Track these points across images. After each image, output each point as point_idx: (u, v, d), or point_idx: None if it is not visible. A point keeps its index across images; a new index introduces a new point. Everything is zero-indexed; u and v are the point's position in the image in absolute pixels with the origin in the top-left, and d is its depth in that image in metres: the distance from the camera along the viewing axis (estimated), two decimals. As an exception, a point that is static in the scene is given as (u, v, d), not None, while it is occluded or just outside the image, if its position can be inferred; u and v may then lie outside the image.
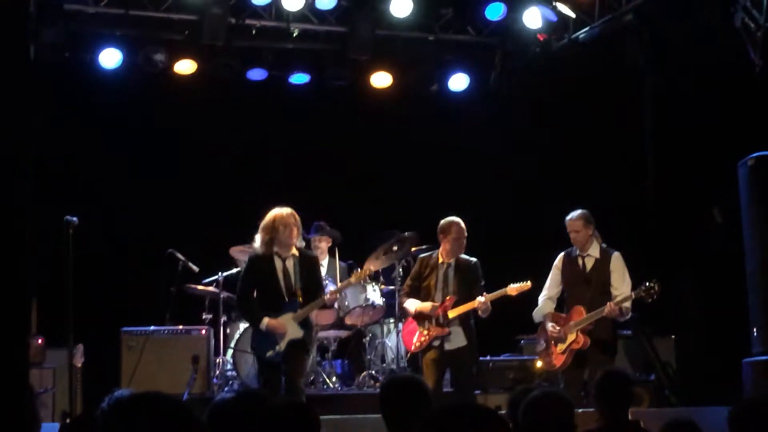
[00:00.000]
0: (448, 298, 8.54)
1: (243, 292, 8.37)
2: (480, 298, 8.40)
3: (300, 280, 8.12)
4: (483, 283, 8.59)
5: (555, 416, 4.53)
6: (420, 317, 8.66)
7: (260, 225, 8.14)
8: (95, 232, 9.65)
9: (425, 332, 8.58)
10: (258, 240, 8.16)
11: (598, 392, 5.63)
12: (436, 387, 8.36)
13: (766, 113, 9.38)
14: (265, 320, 8.03)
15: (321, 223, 10.54)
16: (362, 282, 9.62)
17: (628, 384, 5.80)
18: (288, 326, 8.04)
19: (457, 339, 8.53)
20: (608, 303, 8.20)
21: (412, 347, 8.79)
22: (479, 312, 8.45)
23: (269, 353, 8.05)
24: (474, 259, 8.69)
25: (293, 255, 8.15)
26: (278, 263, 8.12)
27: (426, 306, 8.59)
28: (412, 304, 8.70)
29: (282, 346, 8.03)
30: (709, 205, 10.30)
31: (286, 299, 8.11)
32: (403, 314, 9.10)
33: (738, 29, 9.18)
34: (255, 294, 8.32)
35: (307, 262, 8.25)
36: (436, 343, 8.54)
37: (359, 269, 9.19)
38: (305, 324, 8.16)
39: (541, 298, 8.65)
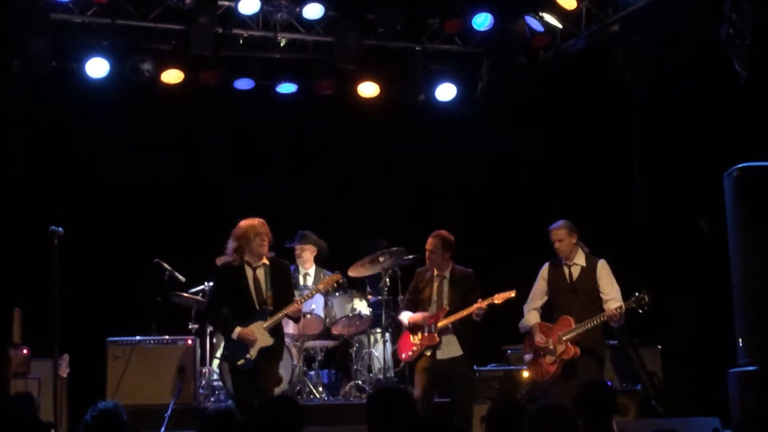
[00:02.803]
0: (441, 308, 8.56)
1: (212, 301, 8.50)
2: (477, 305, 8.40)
3: (270, 289, 8.14)
4: (479, 293, 8.55)
5: (557, 429, 4.58)
6: (413, 328, 8.69)
7: (231, 234, 8.20)
8: (81, 242, 9.63)
9: (417, 341, 8.61)
10: (229, 248, 8.22)
11: (580, 402, 5.64)
12: (425, 395, 8.40)
13: (751, 124, 9.43)
14: (237, 329, 8.06)
15: (305, 232, 10.54)
16: (330, 290, 9.63)
17: (610, 394, 5.81)
18: (258, 334, 8.06)
19: (451, 348, 8.53)
20: (609, 307, 8.21)
21: (404, 356, 8.80)
22: (473, 315, 8.44)
23: (241, 362, 8.07)
24: (469, 270, 8.72)
25: (264, 264, 8.19)
26: (249, 272, 8.17)
27: (417, 316, 8.63)
28: (405, 316, 8.75)
29: (253, 354, 8.05)
30: (696, 216, 10.32)
31: (257, 307, 8.13)
32: (399, 326, 9.11)
33: (723, 41, 9.22)
34: (227, 303, 8.33)
35: (278, 271, 8.28)
36: (428, 351, 8.56)
37: (345, 280, 9.19)
38: (275, 332, 8.17)
39: (526, 309, 8.65)
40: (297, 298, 8.41)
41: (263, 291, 8.15)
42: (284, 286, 8.33)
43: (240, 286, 8.15)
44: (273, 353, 8.17)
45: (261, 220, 8.19)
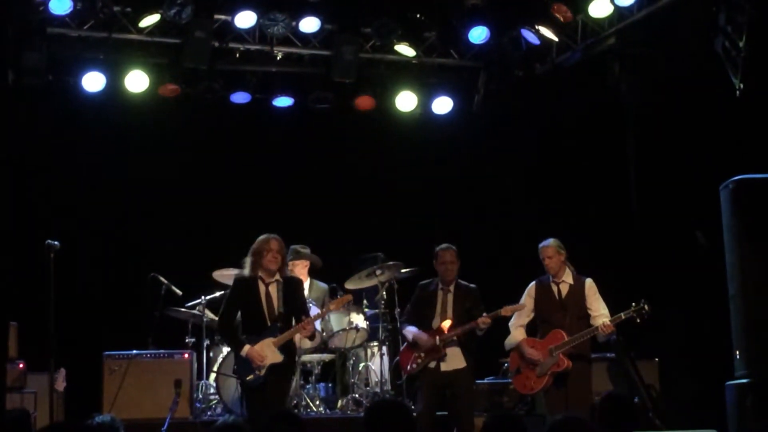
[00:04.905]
0: (445, 323, 8.58)
1: (225, 314, 8.38)
2: (482, 319, 8.45)
3: (282, 305, 8.11)
4: (482, 308, 8.63)
5: None
6: (415, 343, 8.69)
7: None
8: (77, 256, 9.61)
9: (420, 355, 8.63)
10: (247, 263, 8.21)
11: (601, 414, 5.64)
12: (428, 409, 8.47)
13: (747, 136, 9.44)
14: (246, 347, 8.03)
15: (296, 247, 10.49)
16: (342, 308, 9.61)
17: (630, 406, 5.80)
18: (268, 351, 8.02)
19: (455, 360, 8.59)
20: (602, 322, 8.32)
21: (408, 369, 8.79)
22: (477, 329, 8.49)
23: (249, 377, 8.05)
24: (473, 285, 8.79)
25: (277, 280, 8.16)
26: (262, 287, 8.14)
27: (422, 336, 8.62)
28: (410, 332, 8.76)
29: (263, 371, 8.01)
30: (693, 228, 10.32)
31: (268, 323, 8.10)
32: (397, 340, 9.13)
33: (719, 53, 9.25)
34: (239, 316, 8.32)
35: (291, 288, 8.25)
36: (432, 364, 8.61)
37: (341, 293, 9.15)
38: (286, 349, 8.12)
39: (512, 326, 8.72)
40: (309, 317, 8.30)
41: (275, 307, 8.12)
42: (297, 302, 8.28)
43: (252, 300, 8.14)
44: (284, 370, 8.13)
45: (275, 236, 8.17)
